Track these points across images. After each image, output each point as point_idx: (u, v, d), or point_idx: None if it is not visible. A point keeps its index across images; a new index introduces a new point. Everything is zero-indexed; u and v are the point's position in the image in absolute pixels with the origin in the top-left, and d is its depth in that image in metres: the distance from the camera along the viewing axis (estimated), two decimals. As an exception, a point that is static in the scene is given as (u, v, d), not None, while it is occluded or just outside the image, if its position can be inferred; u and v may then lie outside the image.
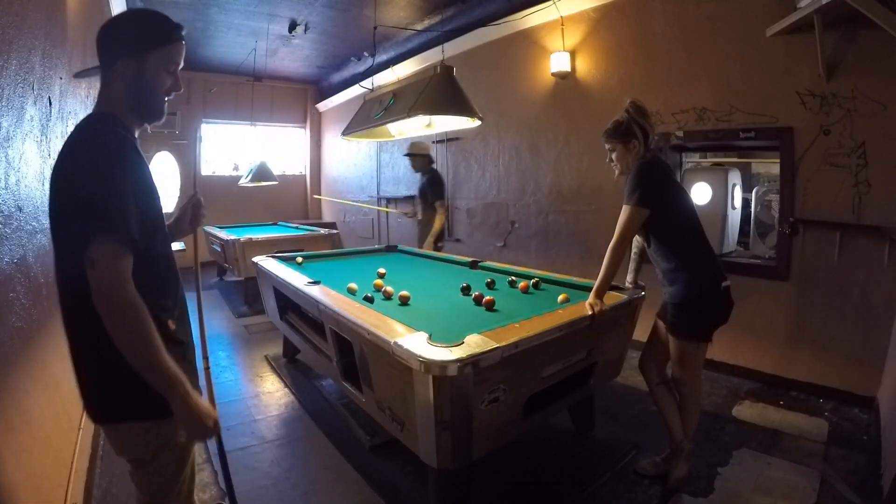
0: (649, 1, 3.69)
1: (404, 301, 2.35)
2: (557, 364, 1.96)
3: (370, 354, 1.90)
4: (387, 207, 6.50)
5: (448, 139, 5.74)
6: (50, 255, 1.77)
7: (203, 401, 1.09)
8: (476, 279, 2.93)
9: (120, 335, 0.97)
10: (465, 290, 2.56)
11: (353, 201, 7.04)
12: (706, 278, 2.00)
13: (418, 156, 4.40)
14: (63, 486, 1.69)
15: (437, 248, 4.18)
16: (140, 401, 1.06)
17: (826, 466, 2.24)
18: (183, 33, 1.18)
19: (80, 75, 1.10)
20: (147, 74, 1.13)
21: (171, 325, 1.16)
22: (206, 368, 1.62)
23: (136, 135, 1.20)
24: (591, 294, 2.07)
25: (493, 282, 2.77)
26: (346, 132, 3.09)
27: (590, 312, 1.99)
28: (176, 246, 1.56)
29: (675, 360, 2.08)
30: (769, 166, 4.73)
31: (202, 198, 1.53)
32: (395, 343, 1.64)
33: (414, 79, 2.64)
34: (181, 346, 1.18)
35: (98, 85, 1.17)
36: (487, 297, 2.29)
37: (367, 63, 6.61)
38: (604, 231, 4.12)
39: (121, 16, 1.19)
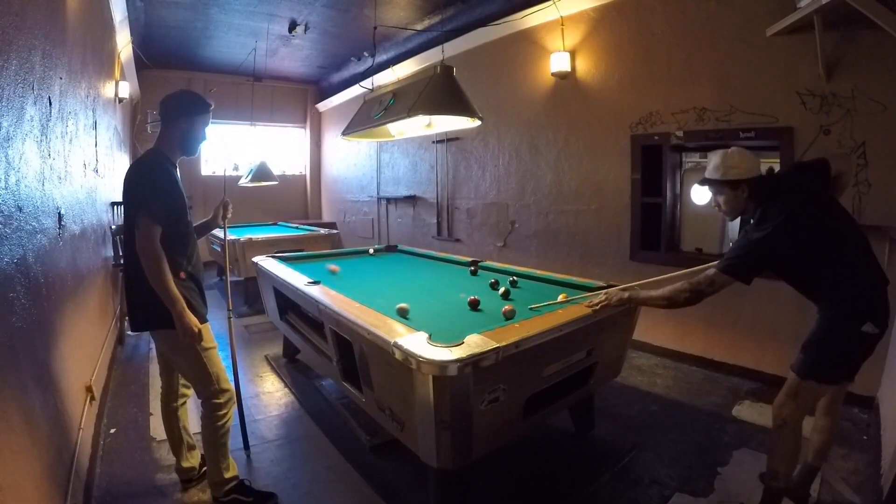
0: (649, 1, 3.68)
1: (403, 314, 2.11)
2: (557, 364, 1.96)
3: (370, 354, 1.90)
4: None
5: (448, 139, 5.74)
6: (50, 255, 1.82)
7: (192, 316, 1.80)
8: (476, 281, 2.93)
9: (147, 268, 1.74)
10: (494, 286, 2.71)
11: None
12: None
13: (726, 186, 1.91)
14: (63, 486, 1.69)
15: None
16: (166, 317, 1.79)
17: (826, 466, 2.24)
18: (213, 107, 1.98)
19: (151, 125, 1.93)
20: (195, 128, 1.92)
21: (182, 275, 1.87)
22: (229, 318, 2.48)
23: (177, 162, 1.95)
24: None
25: (496, 282, 2.77)
26: (346, 132, 3.09)
27: (595, 302, 2.07)
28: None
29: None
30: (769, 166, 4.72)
31: (229, 200, 2.33)
32: (395, 343, 1.64)
33: (414, 79, 2.63)
34: (188, 287, 1.88)
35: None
36: (472, 297, 2.32)
37: (367, 63, 6.61)
38: (604, 231, 4.12)
39: (183, 93, 1.95)
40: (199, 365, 1.91)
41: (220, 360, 1.99)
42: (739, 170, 1.86)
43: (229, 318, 2.46)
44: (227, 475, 1.99)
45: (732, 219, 2.04)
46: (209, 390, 1.94)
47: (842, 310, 1.74)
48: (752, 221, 1.87)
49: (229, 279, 2.55)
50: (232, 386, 2.03)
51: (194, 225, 2.15)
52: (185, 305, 1.78)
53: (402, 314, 2.10)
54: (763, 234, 1.74)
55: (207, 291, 2.07)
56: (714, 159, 1.93)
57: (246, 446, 2.42)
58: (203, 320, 1.93)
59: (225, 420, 1.98)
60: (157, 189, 1.79)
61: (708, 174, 1.95)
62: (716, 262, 1.86)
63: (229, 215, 2.34)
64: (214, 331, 2.01)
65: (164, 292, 1.74)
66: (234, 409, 2.05)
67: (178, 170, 1.96)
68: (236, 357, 2.45)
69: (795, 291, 1.91)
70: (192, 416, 2.21)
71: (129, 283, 1.91)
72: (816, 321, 1.81)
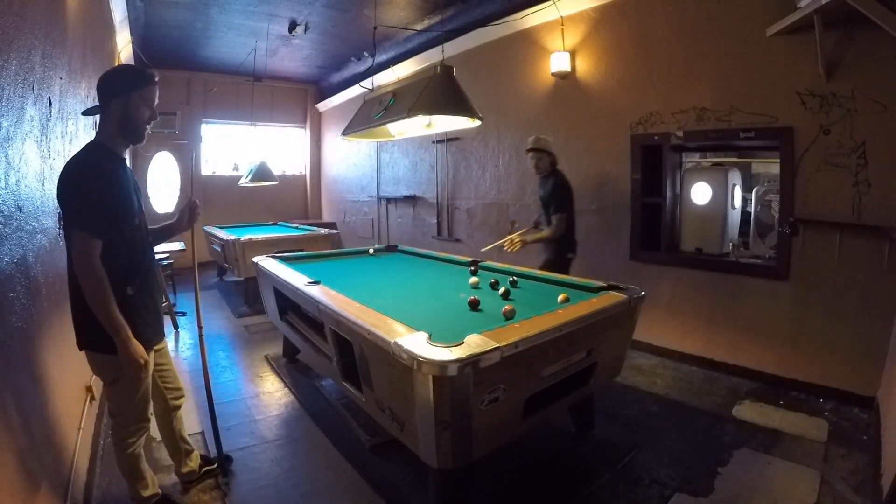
0: (649, 1, 3.68)
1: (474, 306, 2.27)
2: (557, 364, 1.96)
3: (370, 354, 1.90)
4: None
5: (448, 139, 5.74)
6: (50, 255, 1.82)
7: (138, 346, 1.58)
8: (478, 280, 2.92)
9: (86, 291, 1.50)
10: (494, 286, 2.74)
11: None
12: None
13: (545, 153, 3.53)
14: (63, 486, 1.69)
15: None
16: (108, 340, 1.54)
17: (826, 466, 2.25)
18: (156, 78, 1.67)
19: (86, 113, 1.73)
20: (131, 109, 1.61)
21: (130, 290, 1.63)
22: (200, 336, 2.20)
23: (125, 153, 1.70)
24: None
25: (496, 282, 2.77)
26: (346, 132, 3.09)
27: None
28: (175, 246, 1.78)
29: None
30: (769, 166, 4.72)
31: (198, 200, 2.04)
32: (395, 343, 1.64)
33: (414, 79, 2.63)
34: (137, 305, 1.66)
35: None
36: (472, 297, 2.32)
37: (367, 63, 6.61)
38: (604, 231, 4.12)
39: (111, 70, 1.66)
40: (125, 392, 1.70)
41: (147, 391, 1.77)
42: (549, 144, 3.48)
43: (200, 334, 2.20)
44: (147, 493, 1.85)
45: (541, 174, 3.54)
46: (126, 417, 1.74)
47: (565, 242, 3.43)
48: (548, 178, 3.49)
49: (198, 291, 2.27)
50: (149, 419, 1.83)
51: (154, 227, 1.95)
52: (129, 334, 1.56)
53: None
54: (564, 184, 3.46)
55: (207, 292, 2.04)
56: (534, 138, 3.50)
57: (220, 454, 2.23)
58: (150, 346, 1.72)
59: (132, 448, 1.77)
60: (89, 195, 1.50)
61: (534, 146, 3.48)
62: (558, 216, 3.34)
63: (197, 218, 2.08)
64: (214, 332, 1.99)
65: (106, 320, 1.51)
66: (145, 437, 1.85)
67: (124, 163, 1.69)
68: (208, 370, 2.26)
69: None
70: (187, 421, 2.18)
71: (70, 297, 1.63)
72: (552, 250, 3.46)
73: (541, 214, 3.60)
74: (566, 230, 3.40)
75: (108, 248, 1.54)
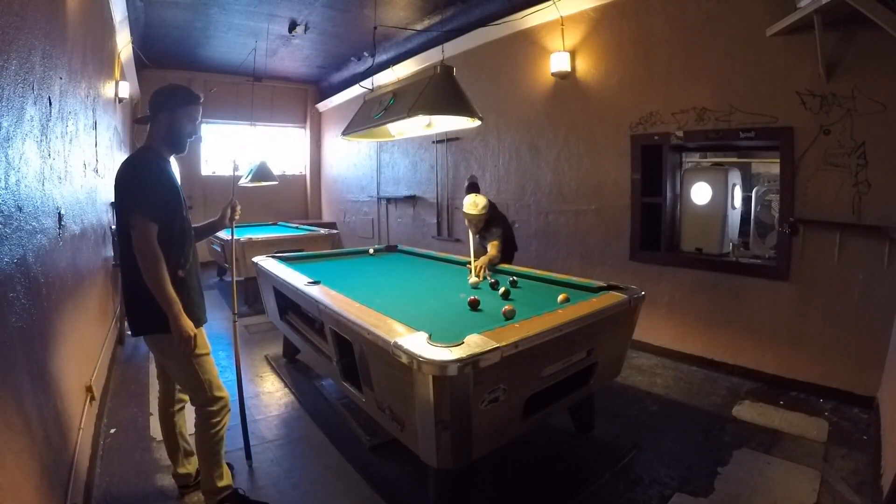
0: (649, 1, 3.68)
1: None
2: (557, 364, 1.96)
3: (370, 354, 1.90)
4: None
5: (448, 139, 5.74)
6: (50, 255, 1.83)
7: (188, 321, 1.75)
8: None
9: (144, 269, 1.67)
10: (494, 286, 2.74)
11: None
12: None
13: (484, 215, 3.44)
14: (63, 486, 1.69)
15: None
16: (162, 320, 1.72)
17: (826, 466, 2.25)
18: (201, 99, 1.90)
19: (138, 121, 2.01)
20: (179, 123, 1.84)
21: (181, 273, 1.81)
22: (234, 322, 2.39)
23: (169, 158, 1.89)
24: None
25: (496, 282, 2.77)
26: (346, 132, 3.08)
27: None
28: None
29: None
30: (769, 166, 4.73)
31: (237, 201, 2.25)
32: (395, 343, 1.64)
33: (414, 79, 2.63)
34: (187, 286, 1.83)
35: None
36: (472, 297, 2.33)
37: (367, 63, 6.61)
38: (604, 231, 4.12)
39: (164, 87, 1.85)
40: (192, 371, 1.84)
41: (213, 366, 1.92)
42: (487, 205, 3.39)
43: (234, 321, 2.37)
44: (221, 484, 1.91)
45: (478, 232, 3.50)
46: (202, 397, 1.88)
47: (508, 248, 3.60)
48: (491, 222, 3.46)
49: (235, 279, 2.50)
50: (226, 392, 1.96)
51: (199, 225, 2.09)
52: (181, 309, 1.73)
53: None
54: (501, 217, 3.66)
55: (207, 291, 2.04)
56: (472, 202, 3.36)
57: (248, 456, 2.34)
58: (199, 324, 1.87)
59: (218, 428, 1.91)
60: (148, 186, 1.71)
61: (479, 211, 3.34)
62: (496, 237, 3.40)
63: (237, 217, 2.26)
64: (215, 332, 2.00)
65: (161, 294, 1.68)
66: (229, 416, 1.97)
67: (170, 166, 1.89)
68: (240, 361, 2.38)
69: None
70: (189, 421, 2.15)
71: (125, 286, 1.85)
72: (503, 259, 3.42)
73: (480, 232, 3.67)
74: (506, 241, 3.56)
75: (162, 234, 1.72)
